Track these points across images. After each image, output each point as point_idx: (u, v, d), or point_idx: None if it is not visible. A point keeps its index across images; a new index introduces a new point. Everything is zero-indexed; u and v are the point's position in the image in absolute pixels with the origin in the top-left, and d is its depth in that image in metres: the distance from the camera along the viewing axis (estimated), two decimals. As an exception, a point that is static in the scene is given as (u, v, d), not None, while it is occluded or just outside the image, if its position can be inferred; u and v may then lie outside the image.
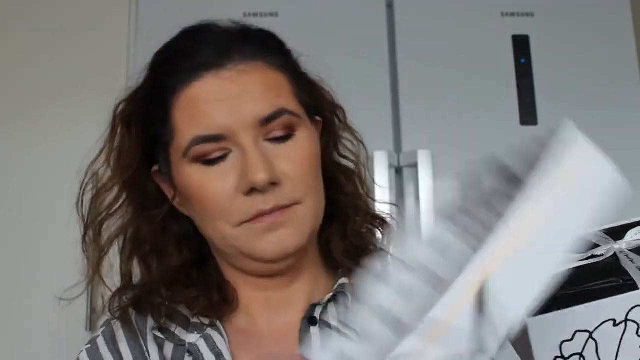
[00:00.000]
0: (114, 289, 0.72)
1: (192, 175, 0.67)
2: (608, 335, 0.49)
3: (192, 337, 0.68)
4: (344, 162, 0.83)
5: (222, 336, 0.68)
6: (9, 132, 1.64)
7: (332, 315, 0.72)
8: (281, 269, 0.70)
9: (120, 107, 0.73)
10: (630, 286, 0.49)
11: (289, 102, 0.68)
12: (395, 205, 0.85)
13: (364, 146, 0.82)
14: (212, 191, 0.66)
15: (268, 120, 0.66)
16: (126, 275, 0.73)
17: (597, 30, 1.66)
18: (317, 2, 1.64)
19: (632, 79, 1.64)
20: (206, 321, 0.69)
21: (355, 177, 0.82)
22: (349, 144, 0.85)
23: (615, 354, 0.49)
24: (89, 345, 0.70)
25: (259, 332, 0.71)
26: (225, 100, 0.65)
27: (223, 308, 0.70)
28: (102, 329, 0.72)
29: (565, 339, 0.49)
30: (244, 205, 0.65)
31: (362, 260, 0.74)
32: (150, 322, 0.70)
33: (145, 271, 0.73)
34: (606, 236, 0.56)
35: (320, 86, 0.81)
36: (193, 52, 0.68)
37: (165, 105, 0.68)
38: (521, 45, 1.63)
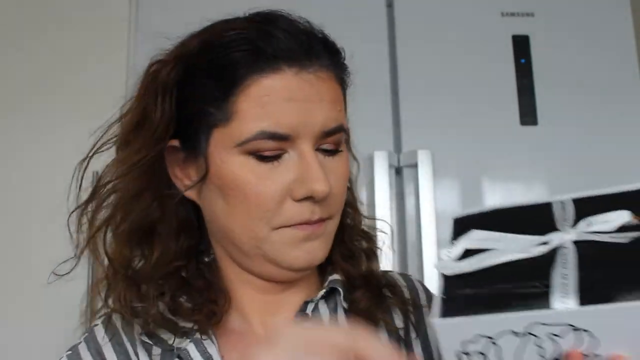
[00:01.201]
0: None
1: (243, 167, 0.64)
2: (509, 342, 0.50)
3: (181, 342, 0.67)
4: None
5: (212, 341, 0.67)
6: (4, 126, 1.64)
7: (324, 311, 0.72)
8: (297, 277, 0.69)
9: (155, 69, 0.68)
10: (544, 296, 0.49)
11: (344, 119, 0.69)
12: (384, 220, 0.84)
13: (357, 163, 0.81)
14: (262, 189, 0.63)
15: (329, 133, 0.65)
16: (124, 261, 0.69)
17: (597, 30, 1.66)
18: (317, 2, 1.64)
19: (632, 78, 1.64)
20: (195, 325, 0.67)
21: (350, 190, 0.80)
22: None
23: (514, 357, 0.51)
24: (70, 352, 0.69)
25: (252, 332, 0.70)
26: (300, 102, 0.63)
27: (213, 313, 0.68)
28: (85, 335, 0.70)
29: (467, 339, 0.51)
30: (291, 210, 0.64)
31: (355, 263, 0.75)
32: (137, 327, 0.68)
33: (139, 258, 0.70)
34: (566, 217, 0.56)
35: None
36: (276, 39, 0.64)
37: (228, 85, 0.63)
38: (521, 45, 1.63)
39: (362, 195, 1.53)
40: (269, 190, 0.63)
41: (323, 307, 0.72)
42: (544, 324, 0.49)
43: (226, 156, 0.64)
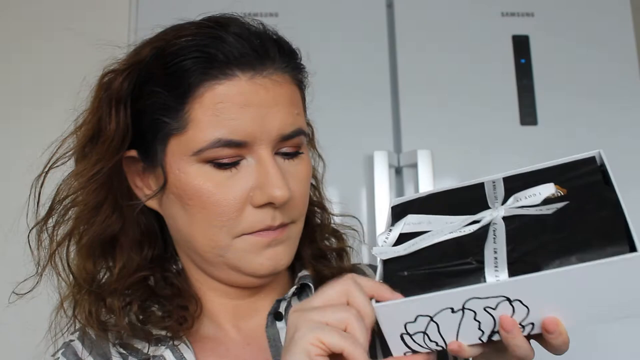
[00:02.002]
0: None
1: (200, 176, 0.63)
2: (447, 319, 0.53)
3: (156, 350, 0.66)
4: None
5: (188, 346, 0.67)
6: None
7: None
8: (262, 283, 0.69)
9: (108, 80, 0.67)
10: (478, 272, 0.51)
11: (303, 122, 0.68)
12: (355, 217, 0.83)
13: (323, 162, 0.81)
14: (220, 197, 0.63)
15: (286, 138, 0.64)
16: (88, 274, 0.68)
17: (597, 30, 1.66)
18: (317, 2, 1.64)
19: (632, 78, 1.64)
20: (169, 332, 0.67)
21: (318, 190, 0.81)
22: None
23: (456, 332, 0.54)
24: None
25: (227, 337, 0.70)
26: (255, 107, 0.62)
27: (184, 319, 0.67)
28: (62, 350, 0.69)
29: (409, 321, 0.53)
30: (252, 217, 0.63)
31: (327, 262, 0.75)
32: (112, 336, 0.67)
33: (102, 270, 0.69)
34: (497, 195, 0.59)
35: None
36: (228, 44, 0.63)
37: (181, 93, 0.62)
38: (521, 45, 1.63)
39: (362, 195, 1.54)
40: (227, 198, 0.63)
41: (296, 304, 0.72)
42: (478, 297, 0.51)
43: (183, 165, 0.63)
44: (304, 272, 0.73)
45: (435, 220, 0.59)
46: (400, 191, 1.56)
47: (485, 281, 0.51)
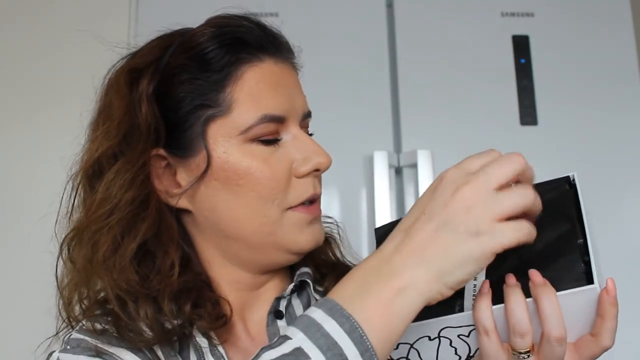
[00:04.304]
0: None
1: (249, 154, 0.66)
2: (426, 346, 0.55)
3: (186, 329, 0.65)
4: None
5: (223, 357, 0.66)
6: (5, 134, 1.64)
7: (297, 305, 0.73)
8: (295, 260, 0.71)
9: (131, 78, 0.67)
10: (454, 300, 0.53)
11: None
12: (330, 217, 0.83)
13: None
14: (271, 170, 0.66)
15: (307, 116, 0.71)
16: (122, 274, 0.64)
17: (597, 30, 1.66)
18: (317, 2, 1.64)
19: (632, 78, 1.64)
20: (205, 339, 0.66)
21: None
22: None
23: (435, 358, 0.56)
24: (69, 347, 0.64)
25: (235, 329, 0.70)
26: (284, 87, 0.68)
27: (222, 316, 0.67)
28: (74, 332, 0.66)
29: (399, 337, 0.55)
30: (299, 187, 0.67)
31: (321, 251, 0.77)
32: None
33: (136, 277, 0.64)
34: None
35: None
36: (254, 32, 0.68)
37: (219, 79, 0.66)
38: (521, 45, 1.63)
39: (362, 195, 1.53)
40: (277, 171, 0.66)
41: (296, 302, 0.73)
42: (451, 327, 0.54)
43: (229, 147, 0.66)
44: (303, 269, 0.74)
45: None
46: (400, 191, 1.56)
47: (462, 311, 0.53)
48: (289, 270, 0.77)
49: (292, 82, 0.70)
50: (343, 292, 0.50)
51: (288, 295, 0.72)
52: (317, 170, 0.68)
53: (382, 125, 1.58)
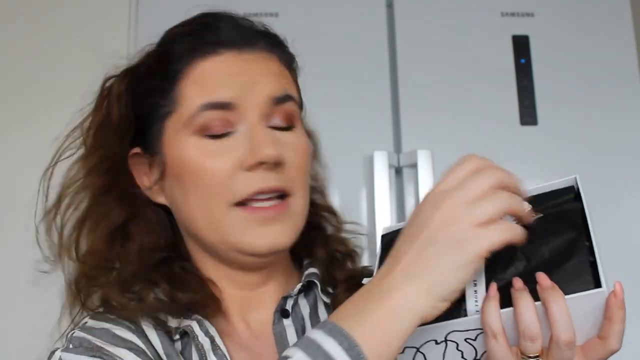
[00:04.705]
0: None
1: (193, 147, 0.65)
2: (432, 350, 0.55)
3: (182, 322, 0.66)
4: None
5: (211, 324, 0.67)
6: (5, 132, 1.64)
7: (304, 305, 0.72)
8: (262, 263, 0.69)
9: (110, 82, 0.72)
10: (457, 304, 0.53)
11: (295, 93, 0.70)
12: (357, 223, 0.83)
13: (326, 168, 0.82)
14: (213, 165, 0.64)
15: (278, 101, 0.66)
16: (98, 253, 0.69)
17: (597, 30, 1.66)
18: (317, 2, 1.64)
19: (632, 78, 1.64)
20: (196, 314, 0.67)
21: (322, 192, 0.82)
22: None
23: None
24: (71, 345, 0.65)
25: (235, 329, 0.70)
26: (240, 75, 0.65)
27: (207, 306, 0.68)
28: (89, 316, 0.68)
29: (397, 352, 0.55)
30: (244, 181, 0.64)
31: (338, 264, 0.75)
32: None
33: (116, 253, 0.69)
34: None
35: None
36: (215, 29, 0.67)
37: (172, 75, 0.66)
38: (521, 45, 1.63)
39: (362, 195, 1.53)
40: (220, 165, 0.64)
41: (303, 302, 0.73)
42: (458, 330, 0.54)
43: (178, 142, 0.66)
44: (312, 270, 0.73)
45: None
46: (400, 191, 1.56)
47: (466, 315, 0.53)
48: (296, 269, 0.76)
49: (255, 71, 0.66)
50: (341, 314, 0.52)
51: (295, 294, 0.71)
52: (262, 163, 0.63)
53: (382, 125, 1.58)
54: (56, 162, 0.72)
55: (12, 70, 1.67)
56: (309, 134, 0.77)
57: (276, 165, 0.64)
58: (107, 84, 0.72)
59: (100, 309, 0.69)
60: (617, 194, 1.55)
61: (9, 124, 1.64)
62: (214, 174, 0.64)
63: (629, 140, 1.60)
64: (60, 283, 0.71)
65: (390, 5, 1.65)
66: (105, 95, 0.72)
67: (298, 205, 0.67)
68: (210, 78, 0.65)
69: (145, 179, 0.71)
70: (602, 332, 0.52)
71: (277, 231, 0.65)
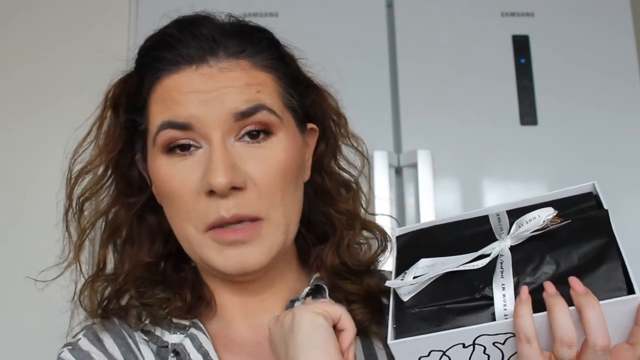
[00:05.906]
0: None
1: (163, 166, 0.64)
2: (459, 353, 0.55)
3: (175, 338, 0.67)
4: (344, 175, 0.80)
5: (207, 336, 0.67)
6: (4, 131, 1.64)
7: None
8: (246, 281, 0.68)
9: (112, 91, 0.73)
10: (487, 308, 0.54)
11: (271, 100, 0.65)
12: (394, 217, 0.82)
13: (367, 159, 0.79)
14: (177, 186, 0.63)
15: (244, 115, 0.62)
16: (101, 262, 0.71)
17: (597, 30, 1.66)
18: (317, 2, 1.64)
19: (632, 79, 1.64)
20: (187, 322, 0.67)
21: (352, 193, 0.79)
22: (350, 155, 0.82)
23: None
24: (70, 347, 0.67)
25: (238, 335, 0.70)
26: (200, 92, 0.62)
27: (199, 309, 0.68)
28: (83, 332, 0.69)
29: (422, 355, 0.56)
30: (205, 207, 0.62)
31: (357, 280, 0.72)
32: (134, 321, 0.68)
33: (118, 261, 0.72)
34: (502, 226, 0.60)
35: (323, 92, 0.78)
36: (177, 44, 0.65)
37: (143, 94, 0.67)
38: (521, 45, 1.63)
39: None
40: (182, 187, 0.63)
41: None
42: (488, 334, 0.53)
43: (153, 161, 0.66)
44: (319, 274, 0.72)
45: (447, 261, 0.59)
46: (400, 191, 1.56)
47: (495, 319, 0.53)
48: (303, 272, 0.75)
49: (217, 85, 0.62)
50: None
51: (303, 298, 0.70)
52: (211, 192, 0.61)
53: (382, 125, 1.58)
54: (71, 175, 0.72)
55: (11, 70, 1.67)
56: (354, 139, 0.80)
57: (234, 190, 0.61)
58: (110, 93, 0.73)
59: (99, 311, 0.70)
60: (617, 193, 1.55)
61: (9, 124, 1.64)
62: (182, 197, 0.63)
63: (629, 140, 1.60)
64: (64, 287, 0.71)
65: (390, 5, 1.65)
66: (105, 105, 0.72)
67: (271, 227, 0.64)
68: (169, 96, 0.64)
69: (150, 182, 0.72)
70: (633, 338, 0.52)
71: (249, 253, 0.63)
